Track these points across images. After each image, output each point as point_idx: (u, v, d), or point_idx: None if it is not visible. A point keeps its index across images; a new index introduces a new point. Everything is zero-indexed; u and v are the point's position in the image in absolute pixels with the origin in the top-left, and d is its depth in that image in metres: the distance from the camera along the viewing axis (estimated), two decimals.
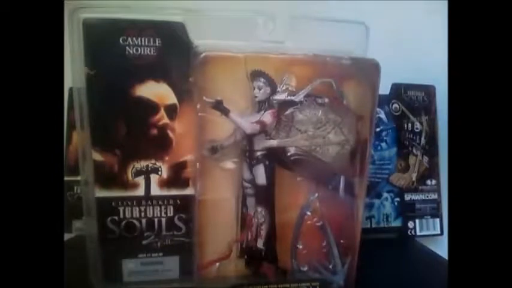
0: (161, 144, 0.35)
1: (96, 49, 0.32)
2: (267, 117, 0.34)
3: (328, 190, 0.37)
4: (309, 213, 0.37)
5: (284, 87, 0.34)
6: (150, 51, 0.33)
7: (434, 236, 0.57)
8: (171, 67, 0.34)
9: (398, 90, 0.56)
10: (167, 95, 0.34)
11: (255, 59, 0.33)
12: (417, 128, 0.57)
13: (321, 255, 0.37)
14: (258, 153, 0.35)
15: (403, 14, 0.61)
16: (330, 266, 0.38)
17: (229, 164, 0.35)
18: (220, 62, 0.33)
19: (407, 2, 0.61)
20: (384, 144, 0.55)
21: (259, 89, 0.34)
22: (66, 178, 0.47)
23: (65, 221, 0.46)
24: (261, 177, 0.35)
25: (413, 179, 0.56)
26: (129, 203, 0.35)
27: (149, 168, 0.35)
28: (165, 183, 0.36)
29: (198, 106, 0.33)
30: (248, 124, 0.34)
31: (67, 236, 0.48)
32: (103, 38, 0.32)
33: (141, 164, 0.35)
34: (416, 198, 0.57)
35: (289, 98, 0.34)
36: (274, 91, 0.34)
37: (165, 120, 0.35)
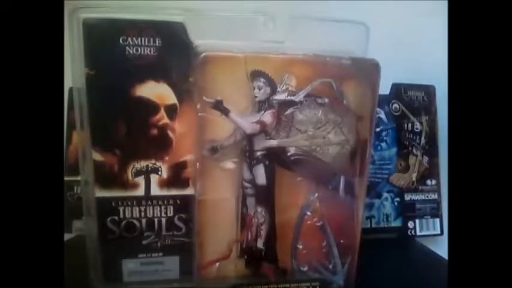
0: (161, 144, 0.35)
1: (96, 49, 0.32)
2: (267, 117, 0.34)
3: (328, 190, 0.37)
4: (309, 213, 0.37)
5: (284, 87, 0.34)
6: (150, 51, 0.33)
7: (434, 236, 0.57)
8: (171, 67, 0.34)
9: (398, 90, 0.56)
10: (167, 95, 0.34)
11: (255, 59, 0.33)
12: (417, 128, 0.56)
13: (321, 255, 0.37)
14: (258, 153, 0.35)
15: (403, 14, 0.61)
16: (330, 266, 0.38)
17: (229, 164, 0.35)
18: (220, 62, 0.33)
19: (408, 2, 0.61)
20: (384, 144, 0.55)
21: (259, 89, 0.34)
22: (66, 178, 0.46)
23: (65, 221, 0.46)
24: (261, 177, 0.35)
25: (413, 179, 0.56)
26: (129, 203, 0.35)
27: (149, 168, 0.35)
28: (165, 183, 0.36)
29: (198, 106, 0.33)
30: (248, 124, 0.34)
31: (67, 236, 0.47)
32: (103, 38, 0.32)
33: (141, 164, 0.35)
34: (416, 198, 0.57)
35: (289, 98, 0.34)
36: (274, 91, 0.34)
37: (165, 120, 0.35)
